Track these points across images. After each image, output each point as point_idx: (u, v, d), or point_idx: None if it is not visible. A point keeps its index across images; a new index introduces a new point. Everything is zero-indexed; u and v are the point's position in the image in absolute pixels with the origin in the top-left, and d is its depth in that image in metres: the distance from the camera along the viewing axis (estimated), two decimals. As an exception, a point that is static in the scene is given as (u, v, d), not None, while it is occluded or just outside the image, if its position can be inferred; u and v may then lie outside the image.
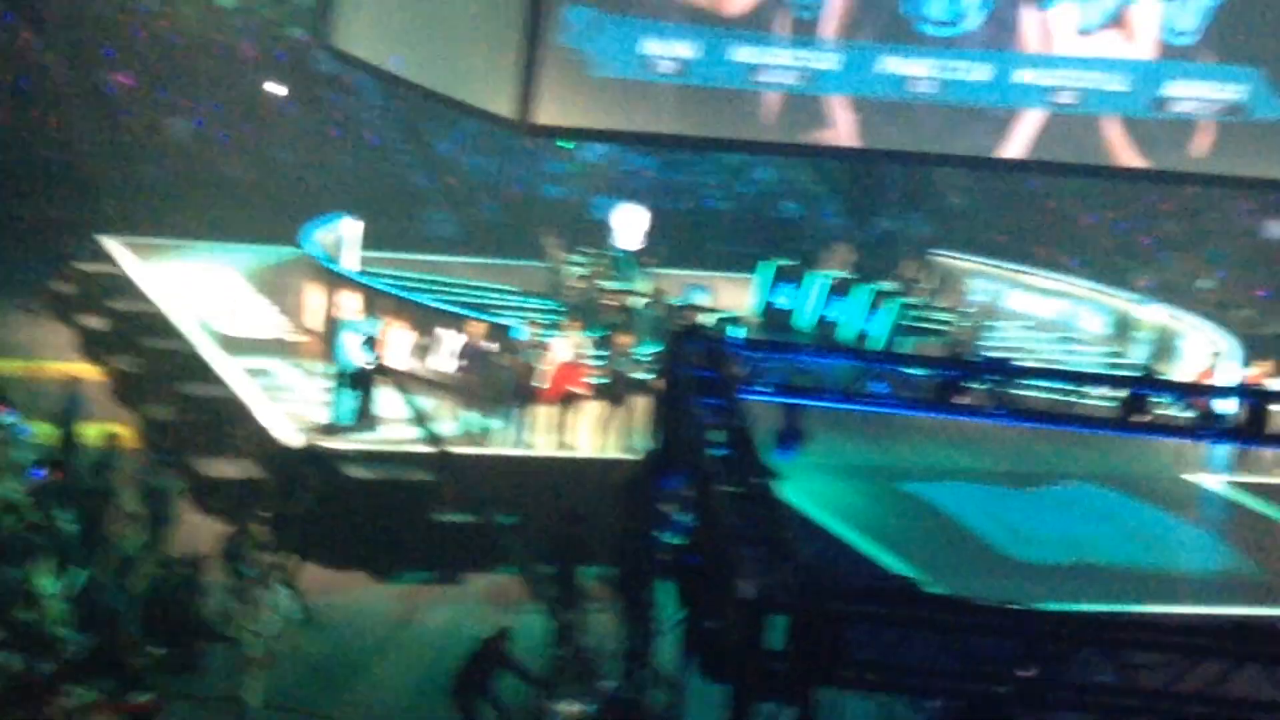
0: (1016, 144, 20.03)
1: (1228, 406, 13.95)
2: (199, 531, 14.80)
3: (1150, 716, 7.95)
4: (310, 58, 26.07)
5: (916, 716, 10.26)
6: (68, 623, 12.16)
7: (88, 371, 18.67)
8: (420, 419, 17.36)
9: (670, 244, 22.40)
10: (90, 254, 21.81)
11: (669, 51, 18.36)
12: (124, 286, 21.17)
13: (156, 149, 24.17)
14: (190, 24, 26.60)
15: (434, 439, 16.75)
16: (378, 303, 17.61)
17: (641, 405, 15.33)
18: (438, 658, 13.31)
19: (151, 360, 18.33)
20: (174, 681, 12.19)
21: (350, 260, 20.84)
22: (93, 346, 20.07)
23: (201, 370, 17.90)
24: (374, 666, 13.63)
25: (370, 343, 16.63)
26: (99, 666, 11.98)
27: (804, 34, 18.62)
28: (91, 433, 15.61)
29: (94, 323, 20.21)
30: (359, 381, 16.38)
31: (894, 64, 19.09)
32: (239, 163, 24.25)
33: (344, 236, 21.11)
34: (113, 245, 22.06)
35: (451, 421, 17.04)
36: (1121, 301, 23.25)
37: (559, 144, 25.53)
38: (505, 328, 17.40)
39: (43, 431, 15.36)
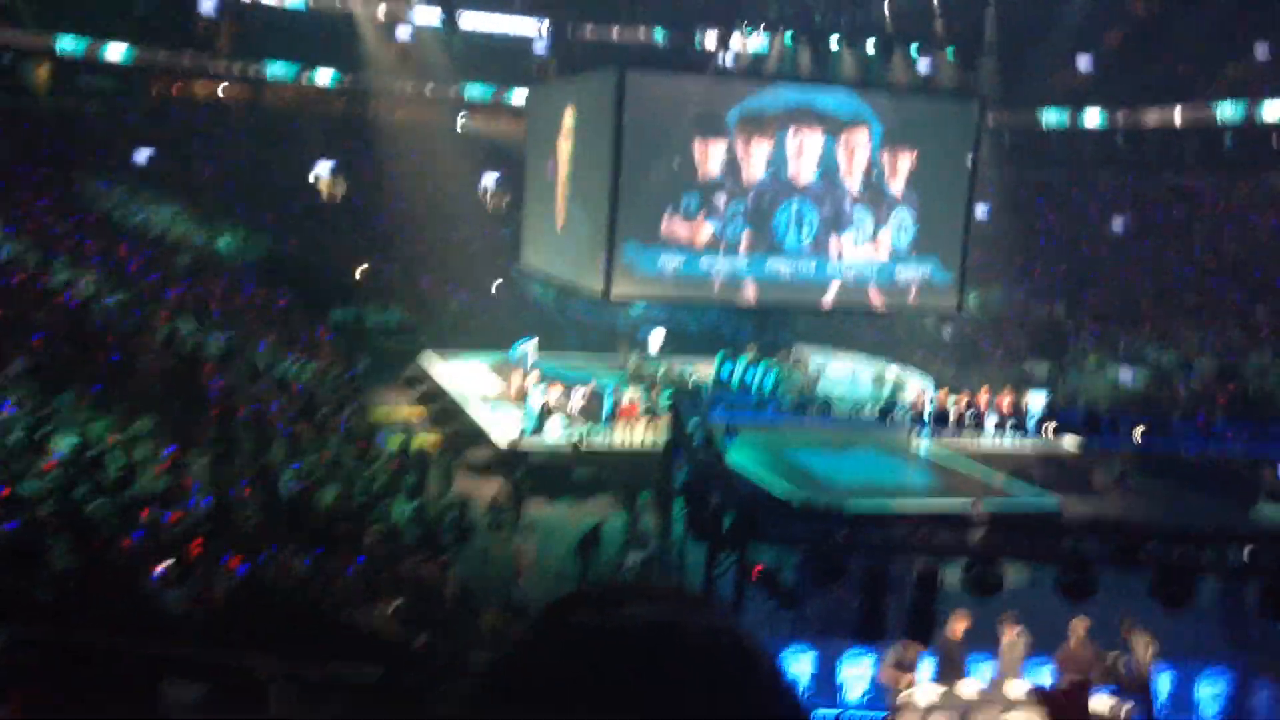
0: (828, 298, 31.45)
1: (928, 410, 25.53)
2: (468, 486, 23.04)
3: (896, 552, 12.66)
4: (514, 268, 39.64)
5: (792, 558, 14.11)
6: (409, 528, 18.49)
7: (417, 413, 29.43)
8: (566, 431, 25.73)
9: (673, 347, 33.75)
10: (417, 361, 33.63)
11: (670, 262, 29.80)
12: (431, 375, 32.15)
13: (448, 313, 37.85)
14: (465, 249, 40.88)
15: (574, 440, 25.21)
16: (544, 378, 27.92)
17: (663, 421, 22.31)
18: (578, 535, 19.32)
19: (444, 409, 29.20)
20: (461, 552, 18.65)
21: (532, 357, 30.65)
22: (419, 402, 30.89)
23: (465, 410, 28.40)
24: (546, 542, 19.42)
25: (541, 395, 26.32)
26: (422, 538, 18.04)
27: (731, 251, 30.27)
28: (417, 441, 24.86)
29: (419, 392, 31.39)
30: (537, 415, 26.03)
31: (772, 264, 30.41)
32: (484, 317, 37.77)
33: (529, 347, 31.09)
34: (427, 356, 33.54)
35: (579, 432, 25.68)
36: (879, 365, 33.51)
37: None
38: (602, 387, 27.16)
39: (393, 441, 24.12)
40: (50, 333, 20.19)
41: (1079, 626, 12.73)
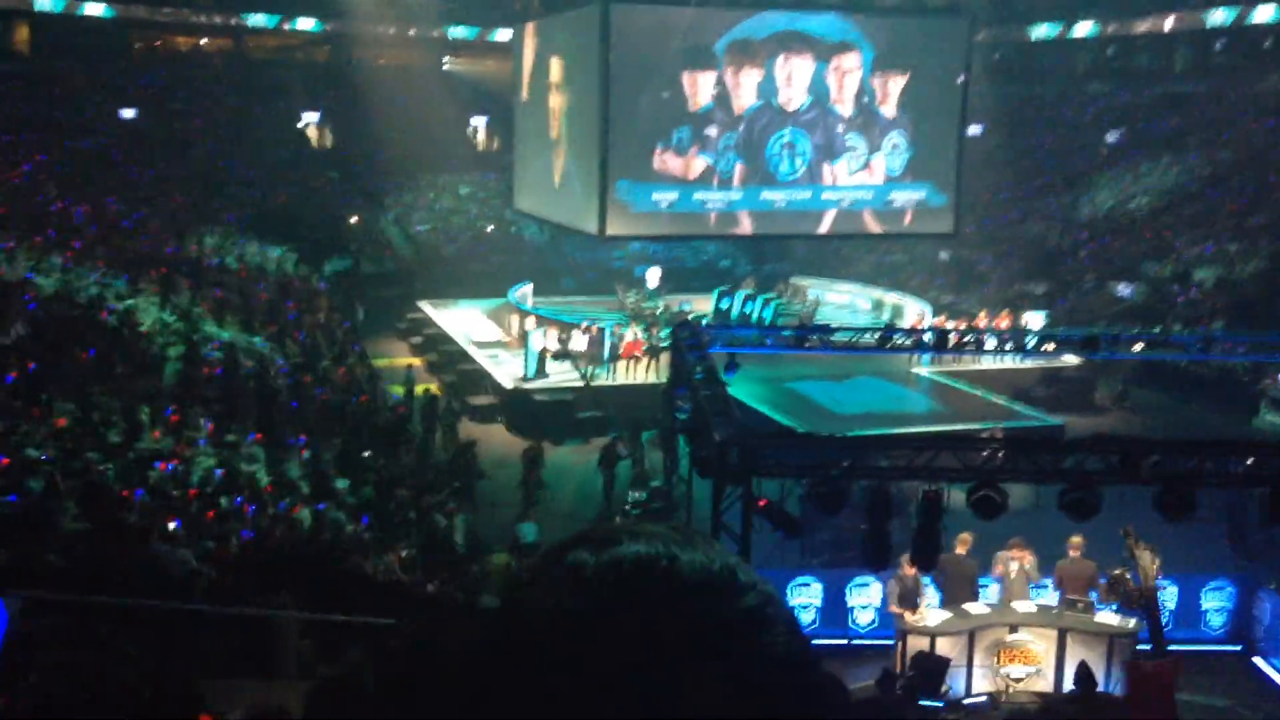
0: (824, 226, 31.75)
1: (927, 335, 23.67)
2: (472, 430, 23.46)
3: (899, 477, 12.51)
4: (507, 210, 39.52)
5: (796, 488, 13.49)
6: (415, 466, 19.42)
7: (416, 361, 29.15)
8: (568, 369, 26.17)
9: (671, 284, 33.83)
10: (414, 309, 33.48)
11: (664, 197, 29.83)
12: (429, 323, 32.17)
13: (441, 261, 37.86)
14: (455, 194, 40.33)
15: (584, 377, 25.54)
16: (542, 321, 28.46)
17: (665, 358, 23.02)
18: (583, 475, 21.29)
19: (443, 354, 29.64)
20: (464, 498, 18.94)
21: (528, 301, 31.29)
22: (417, 350, 30.97)
23: (465, 357, 28.67)
24: (556, 483, 20.42)
25: (542, 338, 26.84)
26: (430, 485, 18.30)
27: (725, 184, 30.25)
28: (419, 389, 24.69)
29: (416, 339, 31.46)
30: (537, 357, 26.45)
31: (767, 194, 30.50)
32: (478, 263, 37.69)
33: (526, 291, 31.92)
34: (424, 304, 33.61)
35: (584, 371, 25.84)
36: (877, 292, 33.95)
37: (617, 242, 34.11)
38: (602, 328, 27.27)
39: (395, 390, 24.59)
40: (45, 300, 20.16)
41: (1075, 542, 12.88)
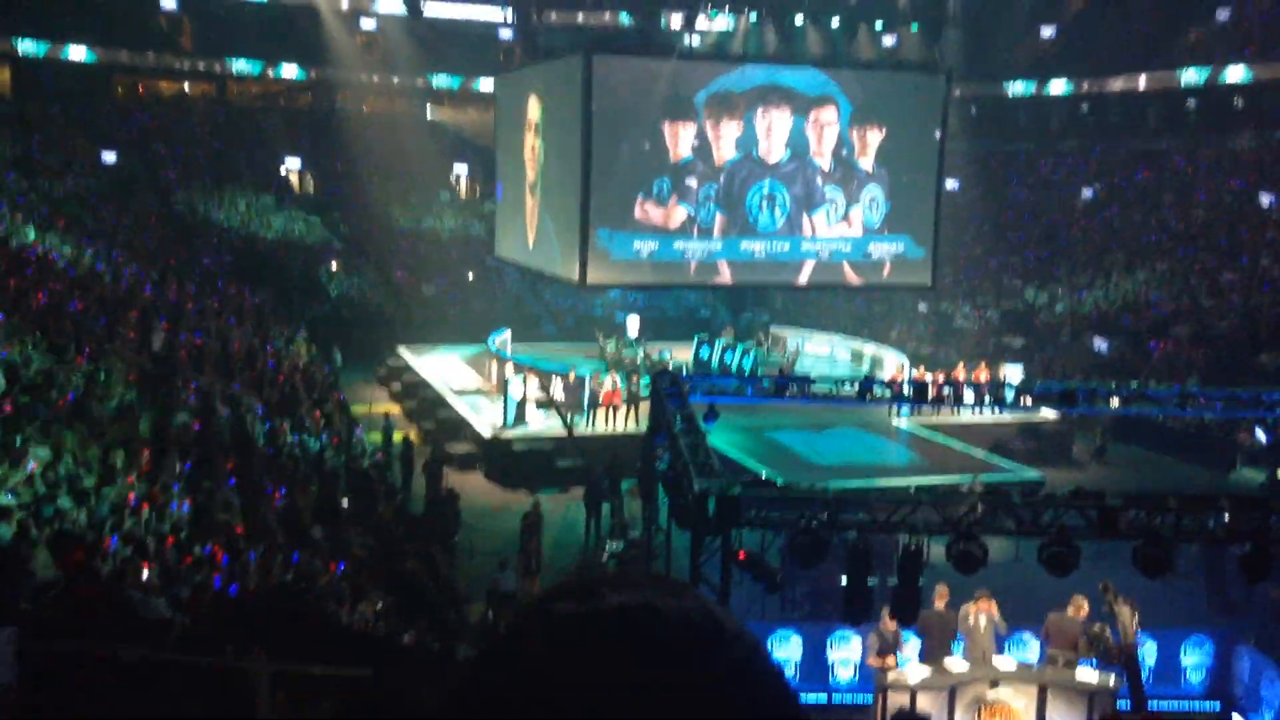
0: (803, 277, 31.60)
1: (906, 387, 22.64)
2: (449, 477, 22.33)
3: (879, 530, 12.15)
4: (488, 257, 39.31)
5: (776, 540, 14.09)
6: (392, 515, 18.76)
7: (395, 409, 29.12)
8: (548, 418, 25.99)
9: (651, 332, 33.77)
10: (393, 354, 33.25)
11: (645, 246, 29.74)
12: (408, 368, 31.95)
13: (420, 302, 37.82)
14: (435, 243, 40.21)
15: (566, 425, 25.29)
16: (521, 368, 27.95)
17: (644, 407, 22.18)
18: (562, 524, 21.31)
19: (421, 401, 29.53)
20: (442, 537, 18.84)
21: (508, 349, 30.79)
22: (396, 396, 30.87)
23: (444, 403, 28.57)
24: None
25: (521, 386, 26.41)
26: (407, 534, 17.91)
27: (705, 234, 30.28)
28: (397, 436, 24.72)
29: (396, 386, 31.33)
30: (516, 405, 26.16)
31: (746, 244, 30.45)
32: (457, 309, 37.43)
33: (505, 338, 31.45)
34: (403, 350, 33.31)
35: (566, 419, 25.59)
36: (856, 343, 34.23)
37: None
38: (582, 376, 26.97)
39: (373, 437, 24.23)
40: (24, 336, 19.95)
41: (1079, 601, 12.85)
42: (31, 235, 30.69)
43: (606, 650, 0.89)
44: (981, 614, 12.98)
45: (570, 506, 22.36)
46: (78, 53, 45.64)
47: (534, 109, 33.55)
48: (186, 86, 50.03)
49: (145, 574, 11.47)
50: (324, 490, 18.56)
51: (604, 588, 0.94)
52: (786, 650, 14.23)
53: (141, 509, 13.51)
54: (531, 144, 33.74)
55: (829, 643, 14.34)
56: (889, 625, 12.76)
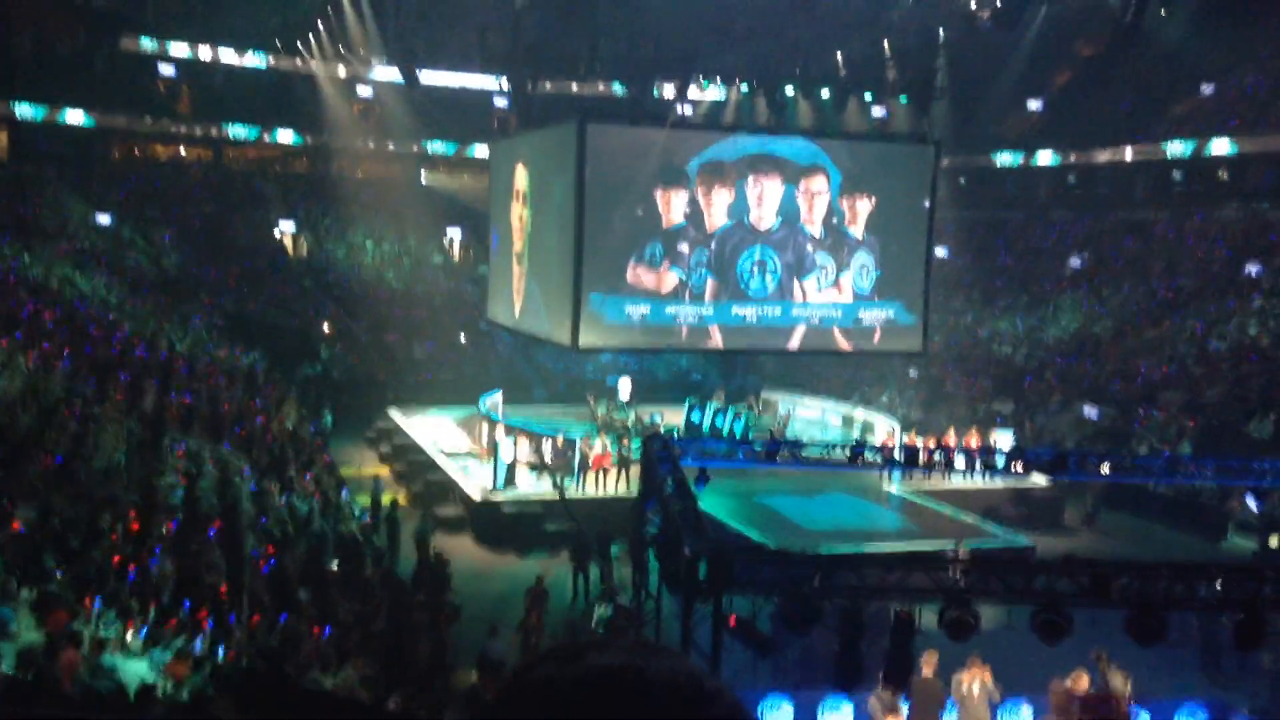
0: (794, 342, 31.59)
1: (897, 452, 23.56)
2: (438, 540, 22.66)
3: (871, 596, 12.19)
4: (481, 321, 39.56)
5: (767, 606, 13.63)
6: (378, 579, 18.42)
7: (384, 470, 29.20)
8: (539, 480, 26.22)
9: (642, 395, 33.75)
10: (384, 417, 33.36)
11: (637, 311, 29.82)
12: (398, 430, 32.03)
13: (411, 363, 37.81)
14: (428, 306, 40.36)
15: (557, 487, 25.07)
16: (512, 431, 27.72)
17: (635, 471, 22.40)
18: (551, 587, 19.75)
19: (412, 464, 29.38)
20: (433, 597, 17.91)
21: (499, 411, 30.63)
22: (385, 459, 30.85)
23: (433, 466, 28.42)
24: (519, 597, 18.89)
25: (511, 448, 26.35)
26: (393, 599, 17.20)
27: (697, 299, 30.34)
28: (386, 499, 24.64)
29: (385, 448, 31.28)
30: (507, 468, 26.14)
31: (737, 309, 30.51)
32: (449, 368, 37.65)
33: (496, 400, 31.32)
34: (393, 412, 33.46)
35: (556, 482, 25.41)
36: (847, 408, 34.43)
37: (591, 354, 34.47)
38: (572, 439, 26.99)
39: (361, 500, 24.14)
40: (10, 401, 19.91)
41: (1082, 680, 12.73)
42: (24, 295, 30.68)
43: (592, 711, 0.89)
44: (975, 681, 12.87)
45: (559, 571, 21.98)
46: (75, 117, 46.00)
47: (522, 177, 33.87)
48: (183, 150, 50.40)
49: (129, 636, 11.34)
50: (311, 553, 18.42)
51: (589, 651, 0.95)
52: (778, 717, 14.03)
53: (127, 569, 13.34)
54: (520, 211, 33.97)
55: (820, 710, 14.15)
56: (886, 690, 12.62)
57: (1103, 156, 47.21)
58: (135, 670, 10.59)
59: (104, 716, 8.71)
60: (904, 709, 12.99)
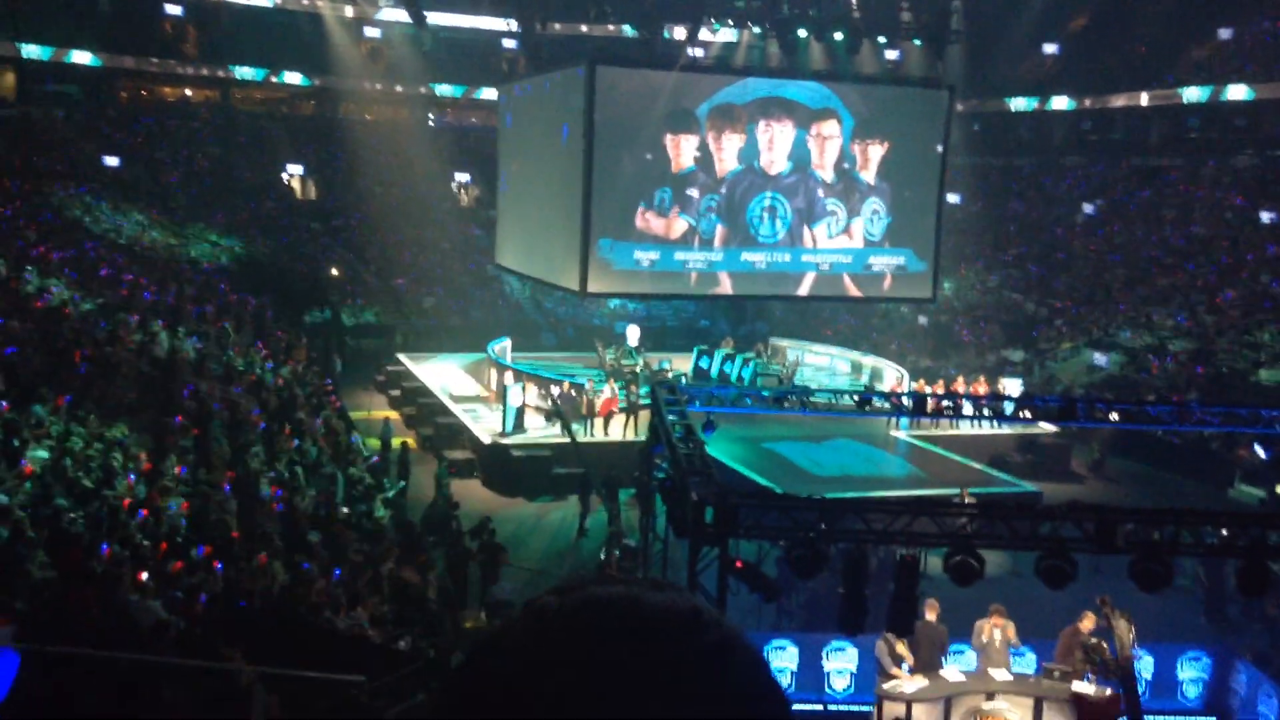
0: (804, 288, 31.65)
1: (905, 399, 22.82)
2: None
3: (877, 541, 12.45)
4: (489, 265, 39.63)
5: (773, 550, 14.69)
6: (389, 521, 18.80)
7: (394, 415, 29.23)
8: (550, 426, 25.96)
9: (651, 342, 33.55)
10: (393, 362, 33.35)
11: (646, 257, 29.77)
12: (408, 375, 31.98)
13: (421, 312, 37.96)
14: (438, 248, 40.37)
15: (566, 435, 24.80)
16: (520, 376, 28.00)
17: (644, 416, 22.47)
18: (558, 531, 21.66)
19: (421, 408, 29.41)
20: (438, 547, 18.47)
21: (507, 357, 31.01)
22: (395, 403, 30.88)
23: (444, 410, 28.51)
24: (527, 540, 20.36)
25: (520, 394, 26.43)
26: (404, 541, 17.58)
27: (706, 245, 30.31)
28: (396, 442, 24.62)
29: (395, 392, 31.32)
30: (515, 412, 26.11)
31: (747, 255, 30.51)
32: (458, 317, 37.69)
33: (505, 346, 31.65)
34: (403, 357, 33.40)
35: (568, 427, 25.05)
36: (855, 355, 33.96)
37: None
38: (580, 384, 27.14)
39: (371, 443, 24.44)
40: (22, 341, 19.98)
41: (1087, 623, 12.82)
42: (32, 237, 30.70)
43: (585, 637, 0.91)
44: (996, 629, 12.96)
45: (563, 513, 22.45)
46: (82, 58, 45.70)
47: (540, 123, 33.52)
48: (190, 92, 50.10)
49: (143, 577, 11.46)
50: (321, 496, 18.46)
51: (590, 584, 0.96)
52: (783, 659, 14.20)
53: (137, 511, 13.45)
54: (536, 153, 33.68)
55: (825, 653, 14.31)
56: (893, 635, 12.77)
57: (1118, 102, 46.72)
58: (148, 609, 10.70)
59: (119, 654, 8.83)
60: (910, 654, 13.06)
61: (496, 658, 0.93)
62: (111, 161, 42.58)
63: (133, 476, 15.11)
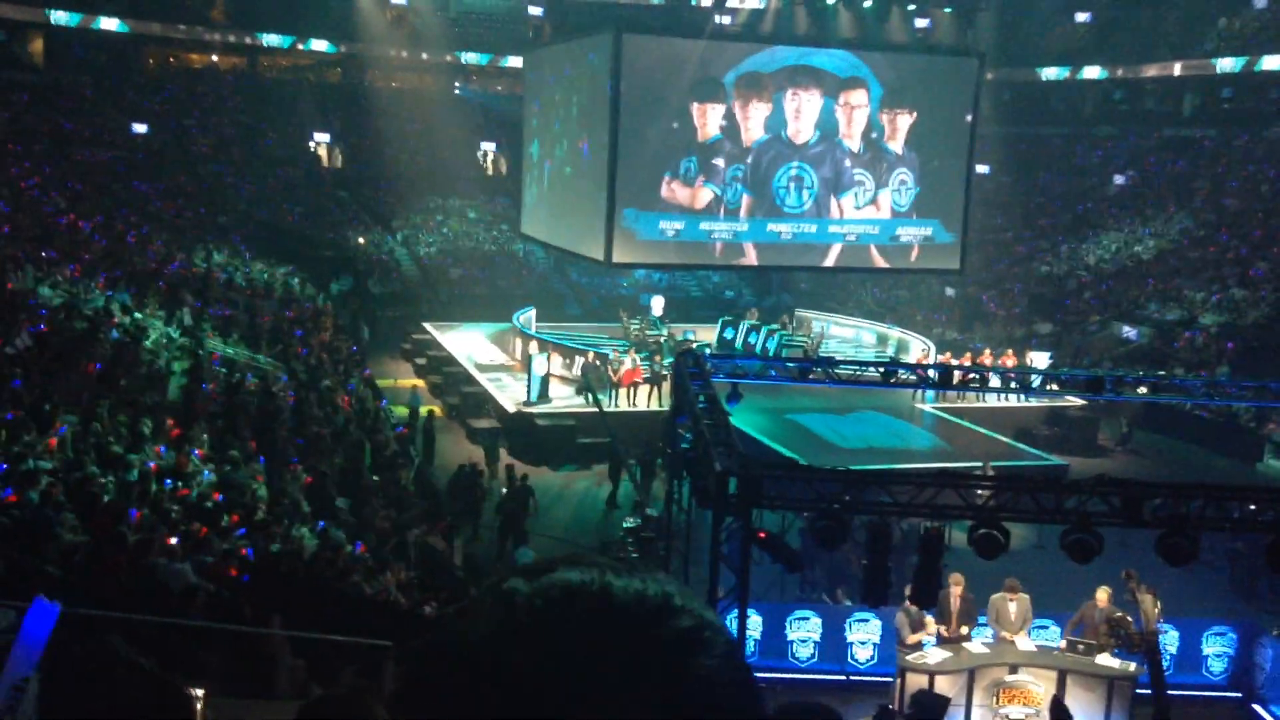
0: (830, 259, 31.55)
1: (931, 372, 21.65)
2: (473, 452, 23.36)
3: (901, 513, 12.59)
4: (515, 235, 39.70)
5: (797, 521, 14.32)
6: (414, 490, 19.08)
7: (420, 383, 29.53)
8: (576, 395, 26.35)
9: (675, 313, 33.69)
10: (419, 330, 33.37)
11: (671, 226, 29.70)
12: (433, 344, 32.00)
13: (447, 283, 38.10)
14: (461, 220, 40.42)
15: (594, 402, 24.89)
16: (545, 345, 28.36)
17: (666, 386, 23.49)
18: (583, 500, 21.96)
19: (447, 376, 29.36)
20: (465, 518, 18.90)
21: (533, 326, 31.17)
22: (421, 372, 31.03)
23: (469, 379, 28.64)
24: (551, 508, 20.50)
25: (545, 363, 26.73)
26: (429, 510, 18.14)
27: (732, 215, 30.14)
28: (423, 410, 24.83)
29: (421, 361, 31.38)
30: (540, 381, 26.26)
31: (773, 226, 30.35)
32: (483, 287, 37.86)
33: (530, 316, 31.90)
34: (429, 326, 33.45)
35: (595, 396, 25.09)
36: (881, 327, 34.23)
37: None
38: (604, 354, 27.39)
39: (399, 411, 24.55)
40: (49, 316, 20.15)
41: (1103, 596, 12.79)
42: (61, 205, 30.90)
43: (550, 624, 0.90)
44: (1011, 603, 12.94)
45: (588, 482, 22.57)
46: (109, 24, 45.80)
47: (565, 91, 33.37)
48: (216, 59, 50.16)
49: (172, 541, 11.55)
50: (349, 462, 18.55)
51: (558, 566, 0.95)
52: (806, 630, 14.24)
53: (167, 478, 13.58)
54: (561, 122, 33.55)
55: (848, 624, 14.33)
56: (914, 605, 12.75)
57: (1150, 71, 46.16)
58: (178, 572, 10.79)
59: (149, 617, 8.91)
60: (931, 625, 13.04)
61: (460, 645, 0.92)
62: (139, 128, 42.72)
63: (163, 448, 15.23)
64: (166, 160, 41.01)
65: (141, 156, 40.49)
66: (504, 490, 19.55)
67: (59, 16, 44.48)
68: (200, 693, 5.13)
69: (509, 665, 0.89)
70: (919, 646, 12.73)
